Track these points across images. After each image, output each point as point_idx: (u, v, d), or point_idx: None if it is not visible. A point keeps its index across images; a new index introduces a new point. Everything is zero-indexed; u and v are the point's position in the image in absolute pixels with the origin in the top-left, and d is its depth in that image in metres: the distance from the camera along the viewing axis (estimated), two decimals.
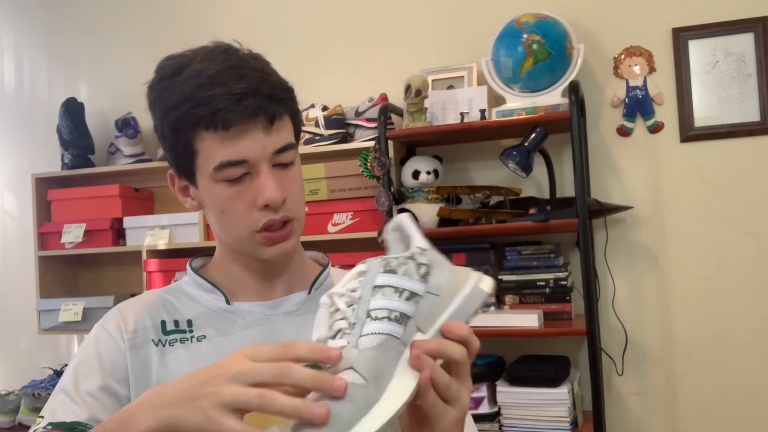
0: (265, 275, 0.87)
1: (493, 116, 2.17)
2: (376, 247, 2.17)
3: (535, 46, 2.10)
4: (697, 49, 2.20)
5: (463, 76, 2.35)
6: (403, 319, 0.58)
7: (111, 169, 2.69)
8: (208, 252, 0.93)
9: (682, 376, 2.21)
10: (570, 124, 1.99)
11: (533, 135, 2.06)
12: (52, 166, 2.96)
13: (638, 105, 2.24)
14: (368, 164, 2.17)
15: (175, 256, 2.54)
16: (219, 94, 0.75)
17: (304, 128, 2.35)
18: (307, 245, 0.95)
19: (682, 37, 2.21)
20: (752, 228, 2.16)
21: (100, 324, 0.85)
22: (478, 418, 2.04)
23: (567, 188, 2.26)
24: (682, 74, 2.20)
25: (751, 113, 2.15)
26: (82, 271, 2.94)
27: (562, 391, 1.98)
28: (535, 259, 2.17)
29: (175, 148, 0.80)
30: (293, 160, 0.82)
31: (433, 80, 2.36)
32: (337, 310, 0.60)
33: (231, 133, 0.76)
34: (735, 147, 2.17)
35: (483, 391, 2.07)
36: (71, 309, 2.62)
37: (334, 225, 2.33)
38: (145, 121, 2.66)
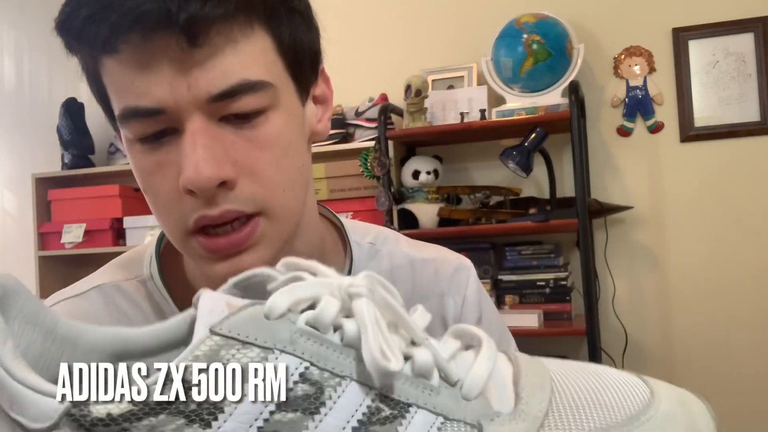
0: None
1: (493, 116, 2.17)
2: None
3: (535, 46, 2.10)
4: (697, 49, 2.20)
5: (463, 76, 2.35)
6: None
7: (111, 169, 2.69)
8: None
9: (682, 376, 2.20)
10: (570, 124, 1.99)
11: (533, 135, 2.06)
12: (52, 166, 2.95)
13: (638, 105, 2.24)
14: (368, 164, 2.17)
15: None
16: None
17: None
18: None
19: (682, 37, 2.21)
20: (752, 228, 2.16)
21: None
22: None
23: (567, 188, 2.26)
24: (682, 74, 2.20)
25: (751, 113, 2.15)
26: (82, 272, 2.90)
27: None
28: (535, 259, 2.17)
29: (88, 81, 0.51)
30: (264, 109, 0.48)
31: (433, 80, 2.36)
32: None
33: (129, 59, 0.45)
34: (735, 147, 2.17)
35: None
36: None
37: None
38: None
